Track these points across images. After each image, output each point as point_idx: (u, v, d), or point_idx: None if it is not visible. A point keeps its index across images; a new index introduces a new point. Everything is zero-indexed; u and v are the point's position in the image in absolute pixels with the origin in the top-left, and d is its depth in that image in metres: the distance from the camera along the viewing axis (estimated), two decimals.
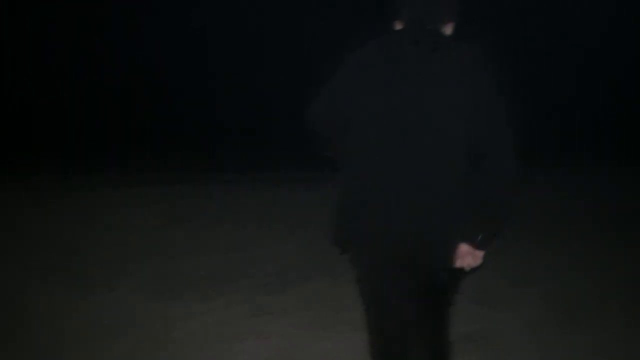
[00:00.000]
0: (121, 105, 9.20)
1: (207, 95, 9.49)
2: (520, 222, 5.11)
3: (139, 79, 9.22)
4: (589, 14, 8.78)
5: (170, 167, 7.57)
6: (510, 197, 1.85)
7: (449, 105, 1.79)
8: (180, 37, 9.43)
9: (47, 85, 9.13)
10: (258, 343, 3.15)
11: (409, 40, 1.85)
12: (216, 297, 3.72)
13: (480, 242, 1.88)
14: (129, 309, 3.51)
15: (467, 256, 1.90)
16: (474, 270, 1.94)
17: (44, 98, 9.03)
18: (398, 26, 1.95)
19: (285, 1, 9.11)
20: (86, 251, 4.46)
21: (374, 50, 1.90)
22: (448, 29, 1.93)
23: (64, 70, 9.26)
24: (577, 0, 8.93)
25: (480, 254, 1.91)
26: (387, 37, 1.92)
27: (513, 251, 4.62)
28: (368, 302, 2.04)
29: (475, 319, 3.45)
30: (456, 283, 1.97)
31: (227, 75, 9.38)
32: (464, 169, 1.81)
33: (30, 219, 5.07)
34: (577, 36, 8.97)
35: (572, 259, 4.46)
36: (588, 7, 8.77)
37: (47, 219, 5.05)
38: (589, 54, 9.08)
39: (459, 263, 1.89)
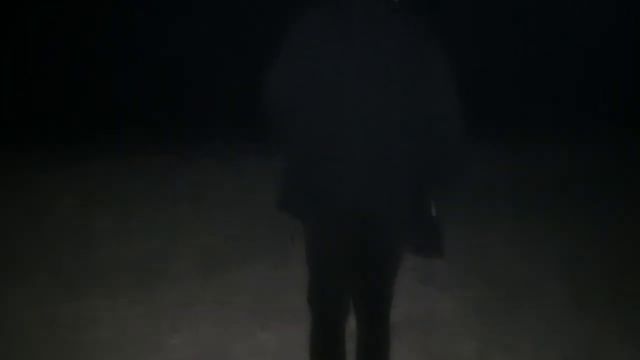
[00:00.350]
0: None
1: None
2: (471, 198, 5.06)
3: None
4: None
5: (102, 142, 7.04)
6: (458, 155, 1.88)
7: (399, 73, 1.81)
8: None
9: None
10: (190, 337, 2.89)
11: (361, 5, 1.84)
12: (143, 286, 3.42)
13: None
14: (45, 305, 3.17)
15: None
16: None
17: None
18: None
19: None
20: None
21: (325, 16, 1.87)
22: None
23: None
24: None
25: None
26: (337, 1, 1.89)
27: (463, 227, 4.52)
28: (311, 266, 2.00)
29: (420, 300, 3.32)
30: (400, 259, 1.98)
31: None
32: (415, 137, 1.83)
33: None
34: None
35: (522, 236, 4.42)
36: None
37: None
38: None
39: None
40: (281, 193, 1.94)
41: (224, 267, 3.72)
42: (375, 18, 1.83)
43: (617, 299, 3.35)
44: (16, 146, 6.61)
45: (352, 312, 2.04)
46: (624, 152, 6.71)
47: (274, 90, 1.90)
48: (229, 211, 4.80)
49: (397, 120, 1.82)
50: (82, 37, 8.75)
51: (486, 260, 3.93)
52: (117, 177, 5.45)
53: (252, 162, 5.96)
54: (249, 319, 3.05)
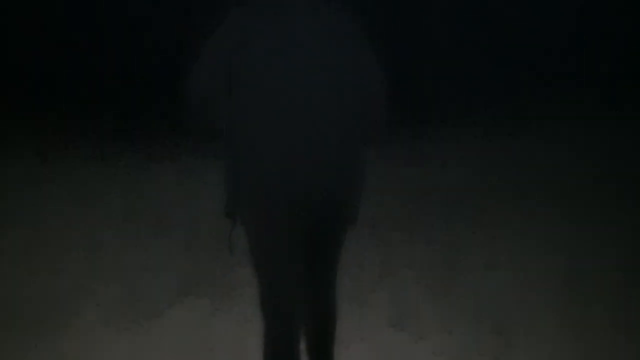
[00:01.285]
0: None
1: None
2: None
3: None
4: None
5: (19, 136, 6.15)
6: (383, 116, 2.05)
7: (330, 60, 1.93)
8: None
9: None
10: None
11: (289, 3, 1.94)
12: (46, 341, 2.65)
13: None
14: None
15: None
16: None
17: None
18: None
19: None
20: None
21: (255, 6, 1.94)
22: None
23: None
24: None
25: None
26: None
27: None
28: (260, 258, 2.02)
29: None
30: (345, 236, 2.07)
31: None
32: (354, 121, 1.96)
33: None
34: None
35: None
36: None
37: None
38: None
39: None
40: (226, 197, 1.99)
41: (148, 312, 3.00)
42: (302, 13, 1.93)
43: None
44: None
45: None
46: None
47: (200, 88, 1.94)
48: (165, 232, 4.06)
49: (328, 107, 1.92)
50: None
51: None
52: (33, 182, 4.64)
53: (198, 169, 5.26)
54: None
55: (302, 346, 2.12)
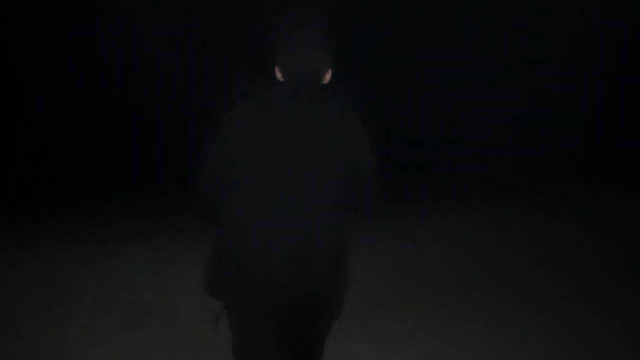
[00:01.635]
0: None
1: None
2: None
3: None
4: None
5: None
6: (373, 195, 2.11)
7: (327, 153, 1.98)
8: None
9: None
10: None
11: (291, 94, 1.99)
12: None
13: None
14: None
15: None
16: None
17: None
18: (278, 74, 2.08)
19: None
20: None
21: (255, 106, 2.00)
22: (327, 77, 2.09)
23: None
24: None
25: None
26: (266, 91, 2.03)
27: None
28: (244, 344, 2.01)
29: None
30: (329, 330, 2.09)
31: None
32: (345, 212, 2.02)
33: None
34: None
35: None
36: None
37: None
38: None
39: None
40: (212, 276, 2.01)
41: None
42: (306, 105, 1.98)
43: None
44: None
45: None
46: None
47: (206, 185, 2.01)
48: (140, 326, 3.79)
49: (328, 200, 1.97)
50: None
51: None
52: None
53: (177, 252, 5.02)
54: None
55: None
